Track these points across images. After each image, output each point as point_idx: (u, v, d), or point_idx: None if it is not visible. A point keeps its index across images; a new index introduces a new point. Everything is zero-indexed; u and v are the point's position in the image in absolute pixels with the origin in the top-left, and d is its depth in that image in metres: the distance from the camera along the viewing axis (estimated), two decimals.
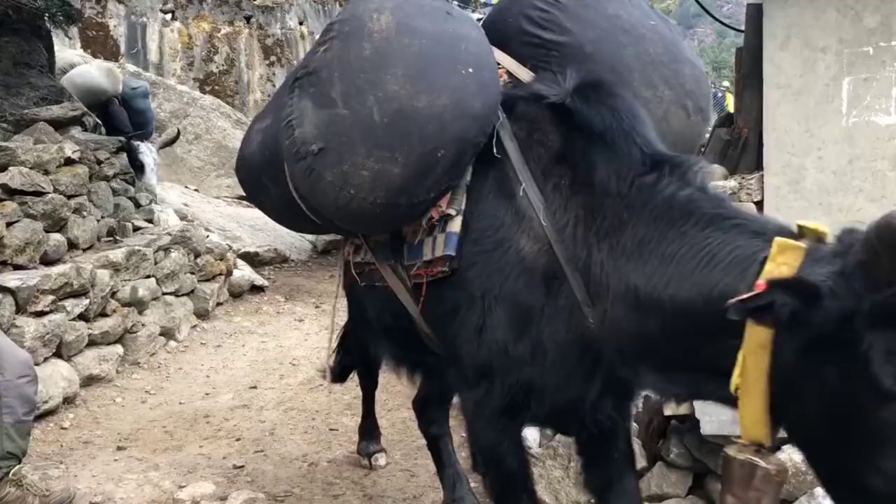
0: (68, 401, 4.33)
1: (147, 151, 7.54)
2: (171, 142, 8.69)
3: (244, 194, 3.31)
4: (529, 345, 2.01)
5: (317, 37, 12.65)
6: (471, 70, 2.10)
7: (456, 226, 2.14)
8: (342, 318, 3.39)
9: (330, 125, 2.08)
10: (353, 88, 2.07)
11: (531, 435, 3.23)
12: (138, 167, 7.38)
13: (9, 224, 4.38)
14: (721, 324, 1.50)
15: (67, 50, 8.46)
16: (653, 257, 1.78)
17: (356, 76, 2.08)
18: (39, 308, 4.18)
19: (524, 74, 2.39)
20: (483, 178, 2.18)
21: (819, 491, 2.48)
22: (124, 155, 6.26)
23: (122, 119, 7.53)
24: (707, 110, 2.50)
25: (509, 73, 2.41)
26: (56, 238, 4.76)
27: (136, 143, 7.50)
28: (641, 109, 2.12)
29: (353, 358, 3.56)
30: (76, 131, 5.96)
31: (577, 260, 1.93)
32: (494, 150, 2.14)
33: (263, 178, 2.59)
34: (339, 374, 3.68)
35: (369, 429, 3.72)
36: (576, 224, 1.97)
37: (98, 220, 5.36)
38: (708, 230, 1.72)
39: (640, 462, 2.82)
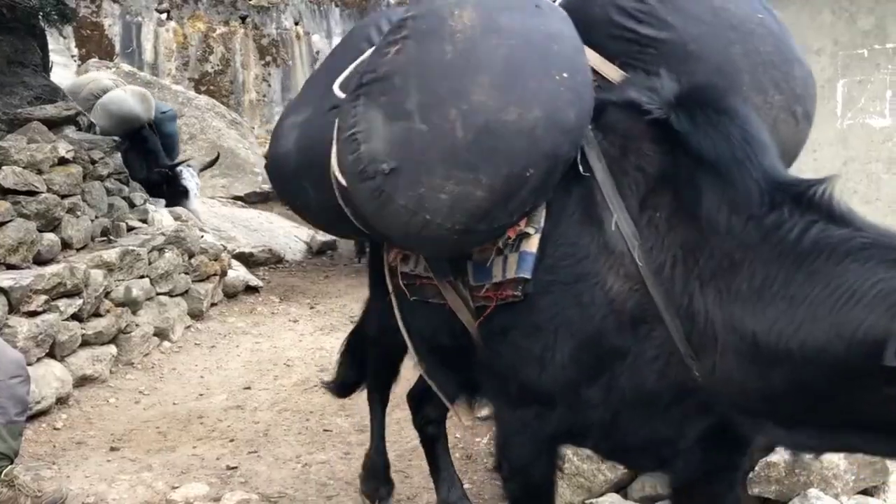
0: (61, 401, 4.31)
1: (189, 177, 7.60)
2: (212, 164, 8.70)
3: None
4: (604, 390, 1.85)
5: (313, 37, 12.74)
6: (565, 75, 1.82)
7: (532, 245, 1.92)
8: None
9: (404, 142, 1.81)
10: (433, 99, 1.79)
11: None
12: (182, 192, 7.52)
13: (2, 223, 4.36)
14: (868, 369, 1.36)
15: (97, 72, 8.11)
16: (777, 300, 1.59)
17: (436, 85, 1.80)
18: (32, 308, 4.16)
19: (613, 73, 2.10)
20: (565, 194, 1.94)
21: (813, 492, 2.48)
22: (118, 155, 6.24)
23: (155, 144, 7.51)
24: (813, 116, 2.20)
25: (594, 71, 2.08)
26: (49, 238, 4.74)
27: (179, 168, 7.59)
28: (757, 123, 1.86)
29: (363, 371, 3.30)
30: (70, 131, 5.93)
31: (676, 305, 1.74)
32: (580, 168, 1.90)
33: (302, 181, 2.33)
34: (343, 388, 3.45)
35: (380, 466, 3.27)
36: (674, 264, 1.76)
37: (92, 220, 5.34)
38: (844, 263, 1.53)
39: None
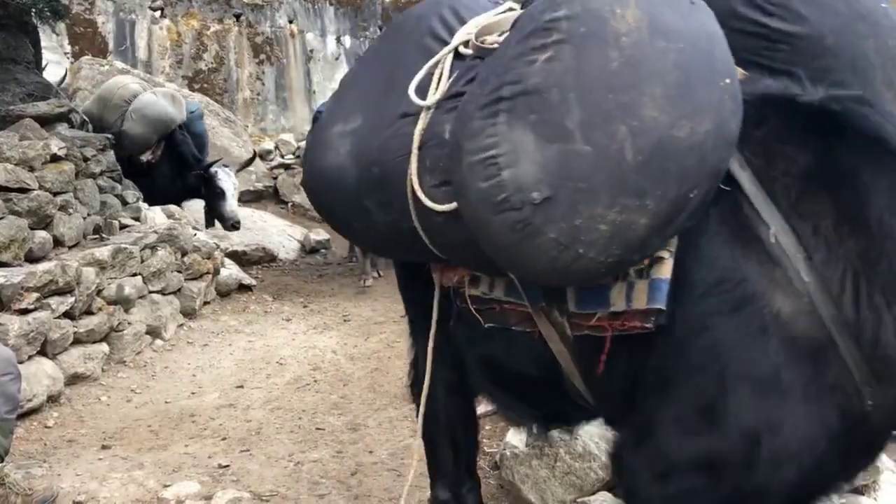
0: (53, 399, 4.29)
1: (225, 177, 7.45)
2: (248, 164, 8.57)
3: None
4: (789, 437, 1.60)
5: (307, 35, 12.67)
6: (727, 81, 1.62)
7: (666, 271, 1.69)
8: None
9: (562, 166, 1.56)
10: (598, 116, 1.55)
11: (517, 435, 3.23)
12: (219, 193, 7.39)
13: None
14: None
15: (122, 77, 7.89)
16: None
17: (601, 99, 1.55)
18: (24, 305, 4.14)
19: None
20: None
21: None
22: (111, 152, 6.22)
23: (188, 145, 7.40)
24: None
25: None
26: (41, 235, 4.72)
27: (215, 169, 7.45)
28: None
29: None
30: (62, 128, 5.91)
31: (851, 325, 1.55)
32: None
33: (363, 200, 2.03)
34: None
35: None
36: (847, 278, 1.57)
37: (84, 218, 5.32)
38: None
39: None
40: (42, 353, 4.32)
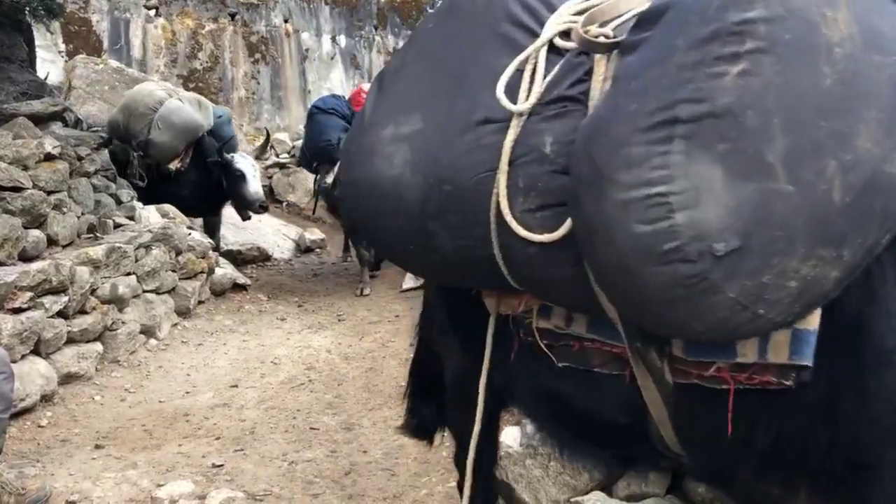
0: (46, 398, 4.28)
1: (241, 160, 7.16)
2: (265, 148, 8.20)
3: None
4: None
5: (302, 35, 12.63)
6: None
7: (814, 321, 1.43)
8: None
9: (760, 210, 1.25)
10: (807, 147, 1.24)
11: (511, 433, 3.23)
12: (238, 177, 7.05)
13: None
14: None
15: (147, 83, 7.66)
16: None
17: (813, 125, 1.25)
18: (17, 305, 4.13)
19: None
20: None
21: None
22: (105, 151, 6.20)
23: (213, 151, 7.17)
24: None
25: None
26: (35, 234, 4.71)
27: (231, 155, 7.16)
28: None
29: (434, 412, 2.63)
30: (56, 127, 5.90)
31: None
32: None
33: (427, 222, 1.67)
34: (419, 429, 2.77)
35: None
36: None
37: (78, 217, 5.31)
38: None
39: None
40: (35, 352, 4.31)
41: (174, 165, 7.01)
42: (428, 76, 1.75)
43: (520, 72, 1.61)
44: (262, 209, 7.33)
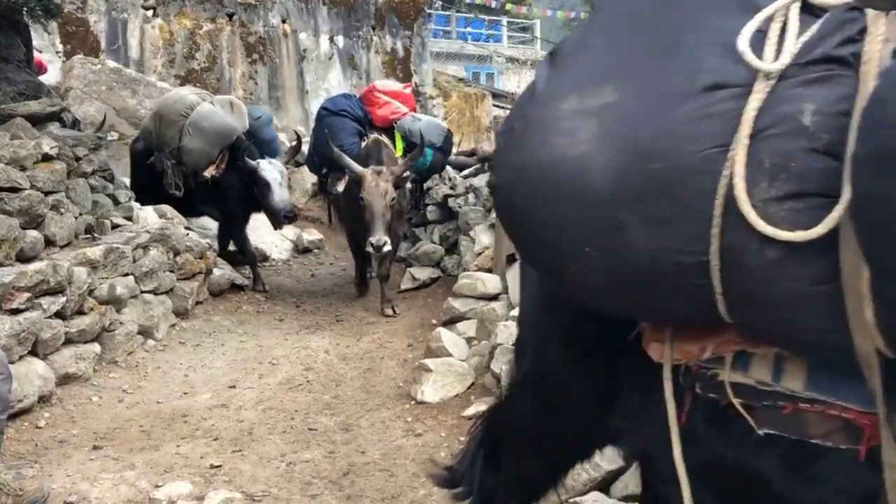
0: (44, 399, 4.28)
1: (268, 167, 6.76)
2: (296, 150, 7.59)
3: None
4: None
5: (300, 35, 12.65)
6: None
7: None
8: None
9: None
10: None
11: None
12: (264, 185, 6.69)
13: None
14: None
15: (180, 89, 7.44)
16: None
17: None
18: (15, 305, 4.12)
19: None
20: None
21: None
22: (103, 152, 6.19)
23: (253, 155, 6.79)
24: None
25: None
26: (33, 235, 4.71)
27: (256, 161, 6.75)
28: None
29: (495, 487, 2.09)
30: (54, 127, 5.89)
31: None
32: None
33: (621, 212, 1.28)
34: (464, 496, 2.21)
35: None
36: None
37: (76, 218, 5.31)
38: None
39: (617, 462, 2.84)
40: (33, 353, 4.31)
41: (209, 172, 6.77)
42: (622, 45, 1.39)
43: (761, 33, 1.26)
44: (288, 219, 6.94)
